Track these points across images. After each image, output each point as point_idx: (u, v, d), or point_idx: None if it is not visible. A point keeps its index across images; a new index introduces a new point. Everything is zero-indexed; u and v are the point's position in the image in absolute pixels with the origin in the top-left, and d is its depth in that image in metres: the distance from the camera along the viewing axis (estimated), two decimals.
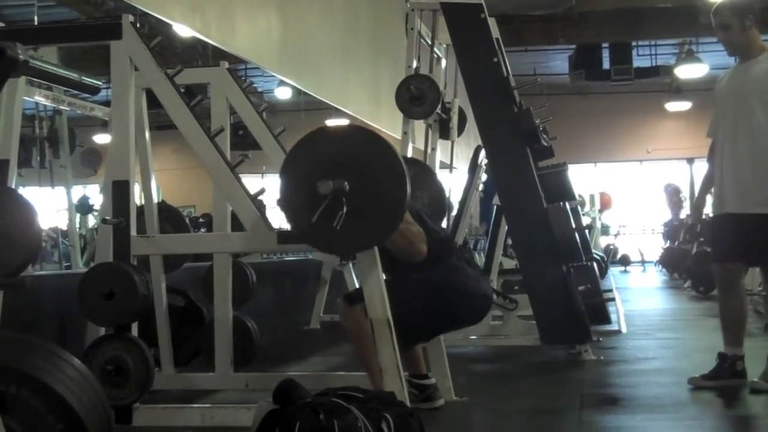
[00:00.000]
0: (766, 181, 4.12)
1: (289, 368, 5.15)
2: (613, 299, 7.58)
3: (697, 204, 4.86)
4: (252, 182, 3.76)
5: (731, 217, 4.22)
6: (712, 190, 4.52)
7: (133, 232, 3.47)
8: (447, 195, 5.47)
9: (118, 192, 3.45)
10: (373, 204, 3.07)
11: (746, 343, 4.30)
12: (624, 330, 6.88)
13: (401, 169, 3.09)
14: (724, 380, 4.20)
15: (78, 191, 9.72)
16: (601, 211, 16.76)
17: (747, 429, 3.79)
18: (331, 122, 11.01)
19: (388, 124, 8.23)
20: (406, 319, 3.40)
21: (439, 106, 5.54)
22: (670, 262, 14.40)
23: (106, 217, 3.47)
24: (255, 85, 12.50)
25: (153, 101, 3.67)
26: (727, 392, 4.14)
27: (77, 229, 9.07)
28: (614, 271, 16.34)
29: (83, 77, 6.80)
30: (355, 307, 3.47)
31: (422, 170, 5.01)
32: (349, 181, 3.03)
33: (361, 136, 3.21)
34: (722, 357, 4.26)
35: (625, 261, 19.21)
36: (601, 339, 5.95)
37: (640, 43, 16.02)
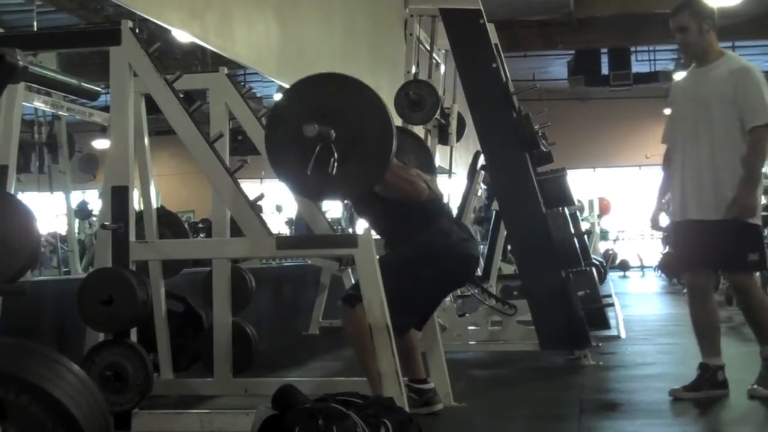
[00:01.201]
0: (725, 186, 4.05)
1: (288, 374, 5.15)
2: (612, 304, 7.56)
3: (654, 216, 4.51)
4: (251, 187, 3.76)
5: (693, 224, 4.16)
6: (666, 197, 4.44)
7: (132, 237, 3.47)
8: (443, 190, 5.43)
9: (117, 197, 3.45)
10: (362, 145, 3.14)
11: (742, 348, 4.30)
12: (623, 335, 6.87)
13: (383, 108, 3.17)
14: (706, 391, 4.11)
15: (77, 196, 9.73)
16: (600, 216, 16.80)
17: None
18: None
19: None
20: (401, 299, 3.43)
21: (438, 111, 5.54)
22: (669, 267, 14.39)
23: (105, 223, 3.46)
24: (254, 91, 12.48)
25: (152, 107, 3.67)
26: (725, 398, 4.13)
27: (76, 235, 9.08)
28: (613, 276, 16.35)
29: (82, 83, 6.82)
30: (356, 309, 3.46)
31: (407, 135, 4.96)
32: (335, 128, 3.09)
33: (340, 83, 3.26)
34: (703, 368, 4.16)
35: (624, 266, 19.22)
36: (600, 344, 5.94)
37: (639, 48, 16.05)
